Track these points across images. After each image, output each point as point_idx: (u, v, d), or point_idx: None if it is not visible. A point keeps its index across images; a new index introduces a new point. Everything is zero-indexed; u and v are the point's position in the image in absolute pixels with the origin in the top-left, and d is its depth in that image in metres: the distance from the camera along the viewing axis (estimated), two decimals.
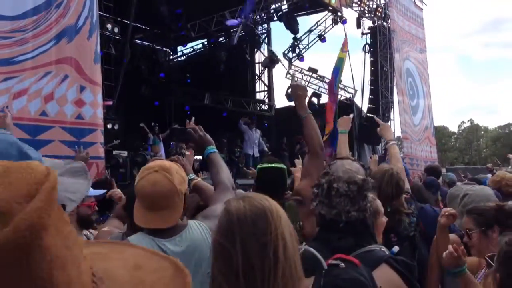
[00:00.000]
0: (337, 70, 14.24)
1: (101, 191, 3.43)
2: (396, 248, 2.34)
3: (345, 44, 14.25)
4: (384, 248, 2.04)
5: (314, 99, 16.97)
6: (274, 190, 2.59)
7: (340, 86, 18.20)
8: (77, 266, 0.61)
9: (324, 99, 17.37)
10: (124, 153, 9.44)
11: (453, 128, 73.62)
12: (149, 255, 0.74)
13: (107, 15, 8.87)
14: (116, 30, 9.05)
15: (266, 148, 13.99)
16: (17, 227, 0.53)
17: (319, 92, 17.58)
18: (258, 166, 3.04)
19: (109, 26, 8.76)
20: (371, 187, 1.95)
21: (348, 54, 16.26)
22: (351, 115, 3.95)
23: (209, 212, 2.24)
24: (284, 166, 3.03)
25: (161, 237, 2.00)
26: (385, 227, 2.82)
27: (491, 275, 1.89)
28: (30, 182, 0.58)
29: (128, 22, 9.69)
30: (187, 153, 3.20)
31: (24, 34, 5.88)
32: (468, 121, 72.80)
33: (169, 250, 1.94)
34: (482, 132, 71.49)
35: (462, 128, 72.21)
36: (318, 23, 18.01)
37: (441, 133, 59.31)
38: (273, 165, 2.97)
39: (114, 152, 8.92)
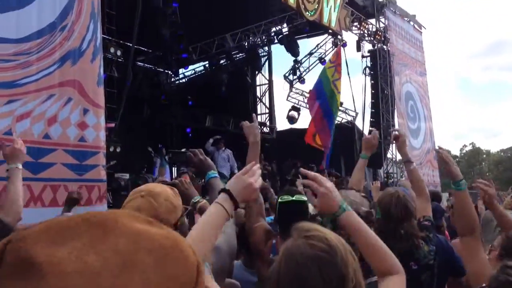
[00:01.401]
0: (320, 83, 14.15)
1: None
2: None
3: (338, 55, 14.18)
4: None
5: (294, 113, 16.98)
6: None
7: (341, 108, 18.24)
8: None
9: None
10: (126, 176, 9.39)
11: (455, 151, 73.64)
12: None
13: (110, 38, 8.93)
14: (118, 53, 9.10)
15: (237, 171, 13.44)
16: None
17: (298, 106, 17.57)
18: (279, 200, 2.89)
19: (112, 49, 8.80)
20: (374, 219, 1.97)
21: (349, 75, 16.38)
22: (376, 133, 3.66)
23: None
24: (305, 199, 2.87)
25: None
26: (402, 251, 2.78)
27: None
28: (186, 278, 0.53)
29: (131, 44, 9.75)
30: (183, 178, 3.10)
31: (28, 57, 5.89)
32: (470, 144, 72.83)
33: None
34: (484, 156, 71.46)
35: (464, 151, 72.22)
36: (319, 46, 18.17)
37: None
38: (294, 198, 2.83)
39: (116, 175, 8.87)
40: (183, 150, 11.12)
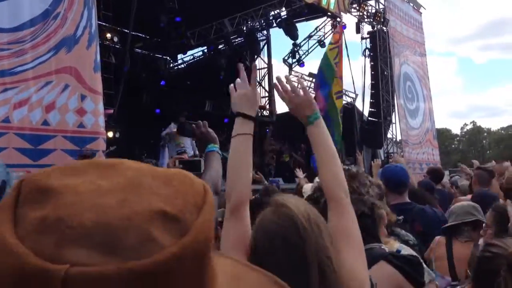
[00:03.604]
0: (322, 74, 13.73)
1: None
2: (401, 247, 2.35)
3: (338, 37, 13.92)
4: (384, 246, 2.06)
5: None
6: None
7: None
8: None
9: None
10: None
11: (456, 130, 73.51)
12: (246, 268, 0.67)
13: (107, 24, 8.94)
14: (115, 39, 9.13)
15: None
16: (197, 237, 0.51)
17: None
18: None
19: (108, 35, 8.83)
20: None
21: (348, 57, 16.29)
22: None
23: None
24: None
25: None
26: None
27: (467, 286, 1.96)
28: (194, 192, 0.56)
29: (128, 31, 9.77)
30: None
31: (22, 45, 5.93)
32: (471, 123, 72.65)
33: None
34: (485, 134, 71.33)
35: (465, 130, 72.10)
36: (318, 29, 18.11)
37: (443, 135, 59.25)
38: None
39: None
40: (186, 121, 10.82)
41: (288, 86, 1.77)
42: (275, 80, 1.84)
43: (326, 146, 1.69)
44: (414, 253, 2.31)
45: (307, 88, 1.81)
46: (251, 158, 1.72)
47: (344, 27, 16.48)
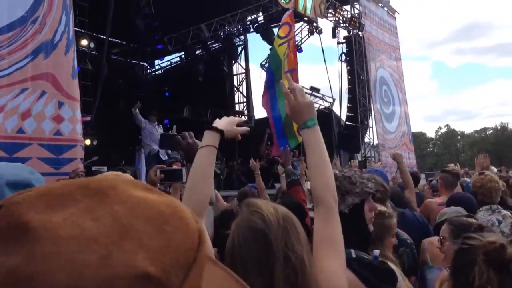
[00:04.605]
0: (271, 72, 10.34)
1: None
2: (376, 252, 2.32)
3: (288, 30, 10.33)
4: (353, 252, 2.01)
5: None
6: None
7: (318, 95, 18.35)
8: None
9: None
10: (104, 169, 9.33)
11: (431, 134, 74.75)
12: (234, 282, 0.61)
13: (83, 30, 8.83)
14: (92, 45, 9.02)
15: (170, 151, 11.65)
16: None
17: None
18: None
19: (84, 41, 8.72)
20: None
21: (325, 62, 16.35)
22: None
23: None
24: None
25: None
26: None
27: (446, 283, 2.00)
28: (188, 244, 0.50)
29: (104, 37, 9.66)
30: (174, 166, 2.99)
31: None
32: (445, 126, 73.96)
33: None
34: (459, 137, 72.70)
35: (439, 133, 73.35)
36: (294, 34, 18.21)
37: (419, 139, 60.13)
38: None
39: (94, 168, 8.83)
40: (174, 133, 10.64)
41: (297, 86, 1.81)
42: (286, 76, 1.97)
43: (320, 152, 1.73)
44: (391, 260, 2.31)
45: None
46: (213, 170, 1.78)
47: (321, 32, 16.58)
